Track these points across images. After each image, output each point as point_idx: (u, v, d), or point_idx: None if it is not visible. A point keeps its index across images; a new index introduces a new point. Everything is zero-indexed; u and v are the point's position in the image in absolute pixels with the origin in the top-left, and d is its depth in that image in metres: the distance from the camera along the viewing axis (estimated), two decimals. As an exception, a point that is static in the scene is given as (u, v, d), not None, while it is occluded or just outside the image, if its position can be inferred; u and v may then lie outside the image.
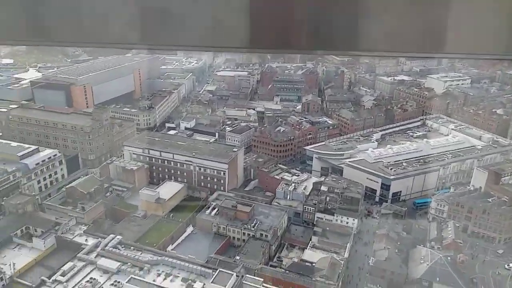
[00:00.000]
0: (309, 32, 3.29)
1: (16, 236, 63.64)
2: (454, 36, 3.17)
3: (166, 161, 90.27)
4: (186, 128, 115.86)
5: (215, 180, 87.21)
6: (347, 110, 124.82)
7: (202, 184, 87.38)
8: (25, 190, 77.90)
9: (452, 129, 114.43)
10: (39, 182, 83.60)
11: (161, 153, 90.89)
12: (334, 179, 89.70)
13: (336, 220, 78.02)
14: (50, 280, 53.48)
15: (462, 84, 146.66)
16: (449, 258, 66.18)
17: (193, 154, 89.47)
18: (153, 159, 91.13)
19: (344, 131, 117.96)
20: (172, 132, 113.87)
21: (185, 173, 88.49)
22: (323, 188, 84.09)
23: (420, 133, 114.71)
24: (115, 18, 3.45)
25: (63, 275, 54.30)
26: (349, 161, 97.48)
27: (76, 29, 3.58)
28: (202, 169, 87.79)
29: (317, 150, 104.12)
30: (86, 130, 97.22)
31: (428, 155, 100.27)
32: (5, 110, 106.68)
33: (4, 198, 72.00)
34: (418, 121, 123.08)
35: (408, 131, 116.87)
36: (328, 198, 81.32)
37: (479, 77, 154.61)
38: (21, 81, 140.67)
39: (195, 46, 3.45)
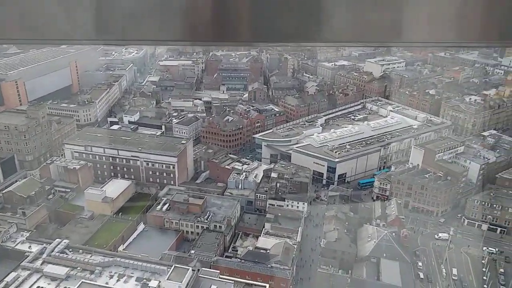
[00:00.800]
0: (250, 24, 3.22)
1: None
2: (408, 25, 3.19)
3: (111, 158, 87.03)
4: (130, 122, 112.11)
5: (164, 174, 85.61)
6: (292, 97, 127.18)
7: (151, 179, 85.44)
8: (-45, 198, 71.81)
9: (390, 110, 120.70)
10: (-30, 189, 77.25)
11: (105, 150, 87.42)
12: (283, 165, 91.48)
13: (287, 206, 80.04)
14: (-8, 294, 50.22)
15: (397, 67, 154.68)
16: (393, 234, 70.57)
17: (139, 149, 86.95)
18: (97, 156, 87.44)
19: (290, 117, 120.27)
20: (115, 127, 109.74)
21: (132, 169, 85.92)
22: (273, 175, 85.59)
23: (361, 116, 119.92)
24: (65, 12, 3.32)
25: (6, 287, 51.01)
26: (296, 147, 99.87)
27: (19, 25, 3.35)
28: (150, 164, 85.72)
29: (265, 138, 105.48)
30: (21, 130, 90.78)
31: (369, 136, 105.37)
32: None
33: None
34: (359, 104, 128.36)
35: (349, 115, 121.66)
36: (278, 185, 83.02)
37: (412, 60, 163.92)
38: None
39: (138, 40, 3.41)
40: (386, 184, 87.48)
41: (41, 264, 54.89)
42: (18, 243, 59.52)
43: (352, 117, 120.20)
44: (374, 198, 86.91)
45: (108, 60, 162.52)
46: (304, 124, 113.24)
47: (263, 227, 74.03)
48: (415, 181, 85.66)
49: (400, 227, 73.19)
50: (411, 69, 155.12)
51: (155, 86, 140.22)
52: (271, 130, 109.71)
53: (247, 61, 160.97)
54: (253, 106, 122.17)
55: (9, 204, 70.87)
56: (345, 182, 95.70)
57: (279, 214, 77.92)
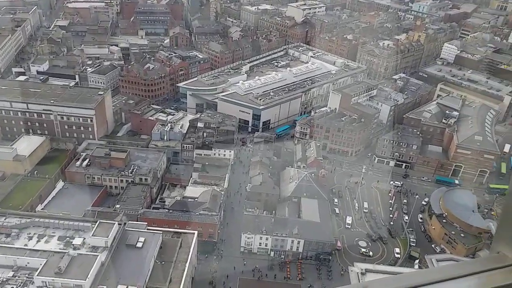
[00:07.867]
0: None
1: None
2: None
3: (19, 113, 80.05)
4: (38, 72, 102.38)
5: (82, 128, 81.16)
6: (216, 43, 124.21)
7: (67, 134, 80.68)
8: None
9: (311, 56, 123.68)
10: None
11: (12, 104, 79.93)
12: (209, 114, 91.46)
13: (215, 154, 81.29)
14: None
15: (318, 11, 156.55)
16: (312, 174, 75.59)
17: (52, 101, 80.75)
18: (3, 111, 79.83)
19: (215, 64, 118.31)
20: (22, 78, 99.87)
21: (45, 124, 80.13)
22: (200, 124, 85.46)
23: (284, 63, 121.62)
24: None
25: None
26: (222, 95, 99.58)
27: None
28: (64, 117, 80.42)
29: (190, 87, 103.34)
30: None
31: (291, 83, 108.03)
32: None
33: None
34: (282, 50, 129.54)
35: (273, 61, 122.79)
36: (205, 134, 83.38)
37: (332, 4, 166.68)
38: None
39: None
40: (307, 128, 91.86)
41: None
42: None
43: (276, 63, 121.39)
44: (296, 142, 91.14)
45: (7, 2, 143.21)
46: (229, 71, 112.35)
47: (191, 176, 74.92)
48: (332, 124, 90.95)
49: (319, 168, 78.45)
50: (331, 14, 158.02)
51: (64, 31, 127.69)
52: (196, 79, 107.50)
53: (166, 3, 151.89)
54: (175, 53, 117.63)
55: None
56: (269, 128, 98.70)
57: (207, 163, 79.05)
